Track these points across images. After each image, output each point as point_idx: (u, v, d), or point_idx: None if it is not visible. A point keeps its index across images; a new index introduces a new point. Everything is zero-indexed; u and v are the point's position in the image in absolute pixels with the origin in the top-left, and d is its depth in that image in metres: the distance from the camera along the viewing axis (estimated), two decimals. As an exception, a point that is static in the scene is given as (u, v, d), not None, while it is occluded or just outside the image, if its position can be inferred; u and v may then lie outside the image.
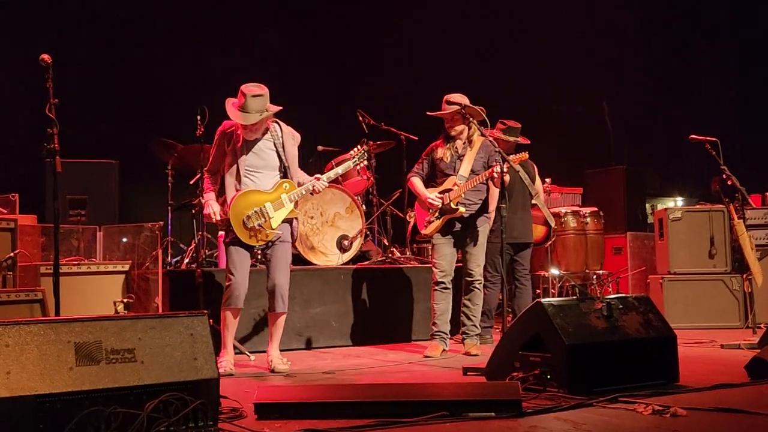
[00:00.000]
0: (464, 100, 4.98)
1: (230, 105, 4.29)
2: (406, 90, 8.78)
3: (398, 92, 8.86)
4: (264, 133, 4.38)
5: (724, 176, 5.38)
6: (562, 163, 8.48)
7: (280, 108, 4.32)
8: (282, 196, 4.34)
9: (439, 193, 5.04)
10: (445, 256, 5.05)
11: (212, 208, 4.37)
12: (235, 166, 4.33)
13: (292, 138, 4.46)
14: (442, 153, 5.09)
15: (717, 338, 5.39)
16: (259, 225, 4.26)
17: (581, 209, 7.27)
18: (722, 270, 6.55)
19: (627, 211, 8.19)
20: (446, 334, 5.07)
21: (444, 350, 5.01)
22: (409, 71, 9.06)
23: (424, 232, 5.16)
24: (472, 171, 4.99)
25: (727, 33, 10.61)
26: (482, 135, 4.90)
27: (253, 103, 4.20)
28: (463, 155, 5.03)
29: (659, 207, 8.32)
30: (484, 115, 4.90)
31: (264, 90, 4.26)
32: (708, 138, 5.45)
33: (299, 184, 4.43)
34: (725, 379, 3.64)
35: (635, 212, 8.43)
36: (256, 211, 4.26)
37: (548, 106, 9.72)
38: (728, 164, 5.37)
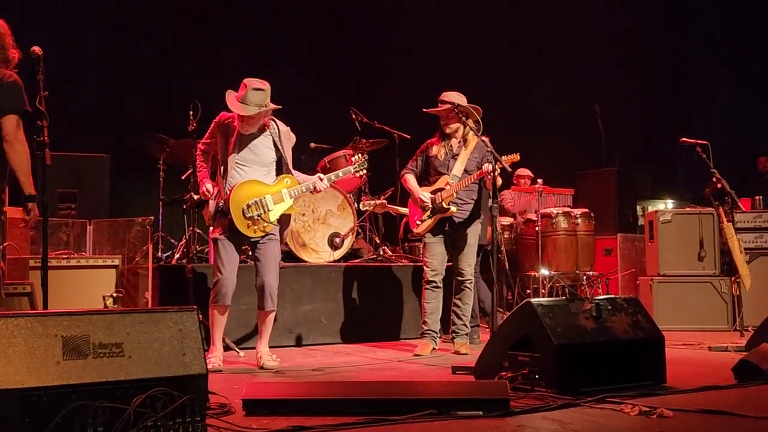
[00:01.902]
0: (461, 98, 4.97)
1: (231, 96, 4.31)
2: (400, 88, 8.77)
3: (392, 90, 8.85)
4: (262, 130, 4.39)
5: (714, 179, 5.41)
6: (553, 164, 8.50)
7: (280, 107, 4.34)
8: (282, 190, 4.35)
9: (432, 192, 5.04)
10: (436, 255, 5.06)
11: (206, 186, 4.38)
12: (226, 157, 4.33)
13: (288, 138, 4.48)
14: (437, 150, 5.09)
15: (705, 340, 5.43)
16: (258, 216, 4.26)
17: (572, 210, 7.28)
18: (711, 273, 6.59)
19: (618, 213, 8.20)
20: (436, 332, 5.08)
21: (434, 349, 5.01)
22: (403, 70, 9.06)
23: (415, 230, 5.16)
24: (466, 171, 4.99)
25: (719, 37, 10.66)
26: (476, 135, 4.91)
27: (253, 96, 4.23)
28: (458, 154, 5.03)
29: (650, 209, 8.35)
30: (479, 116, 4.90)
31: (266, 86, 4.29)
32: (699, 141, 5.48)
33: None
34: (712, 381, 3.66)
35: (626, 214, 8.44)
36: (255, 202, 4.27)
37: (541, 108, 9.74)
38: (718, 167, 5.40)
